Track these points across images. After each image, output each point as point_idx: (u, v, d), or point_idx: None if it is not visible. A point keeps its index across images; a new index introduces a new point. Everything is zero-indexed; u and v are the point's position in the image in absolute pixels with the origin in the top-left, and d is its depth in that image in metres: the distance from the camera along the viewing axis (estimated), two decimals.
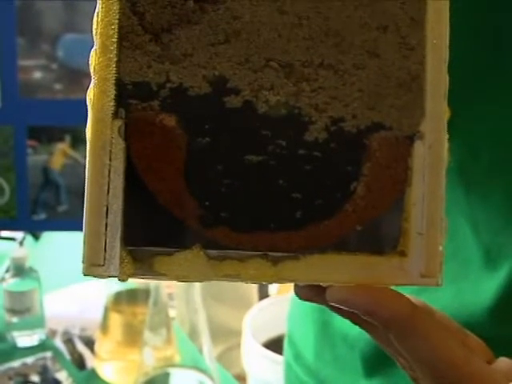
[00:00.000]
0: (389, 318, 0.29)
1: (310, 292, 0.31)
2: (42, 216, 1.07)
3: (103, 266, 0.29)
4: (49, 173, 1.06)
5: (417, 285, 0.30)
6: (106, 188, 0.29)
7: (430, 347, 0.29)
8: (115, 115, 0.29)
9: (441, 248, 0.30)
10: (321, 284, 0.30)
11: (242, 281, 0.29)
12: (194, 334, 0.93)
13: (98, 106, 0.28)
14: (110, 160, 0.29)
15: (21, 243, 1.22)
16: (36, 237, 1.36)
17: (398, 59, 0.29)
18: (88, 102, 0.29)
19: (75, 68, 1.02)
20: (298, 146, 0.29)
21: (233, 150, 0.29)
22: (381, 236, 0.30)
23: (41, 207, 1.07)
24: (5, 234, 1.30)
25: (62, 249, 1.38)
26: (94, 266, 0.29)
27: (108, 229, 0.29)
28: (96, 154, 0.29)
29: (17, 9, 0.99)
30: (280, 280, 0.29)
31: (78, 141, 1.04)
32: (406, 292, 0.50)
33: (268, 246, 0.29)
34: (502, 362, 0.34)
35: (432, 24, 0.30)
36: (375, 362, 0.54)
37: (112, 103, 0.29)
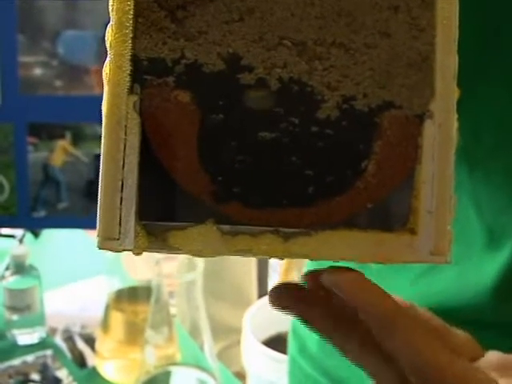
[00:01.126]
0: (372, 311, 0.29)
1: (285, 300, 0.31)
2: (42, 213, 1.07)
3: (118, 239, 0.29)
4: (49, 170, 1.06)
5: (426, 262, 0.30)
6: (122, 163, 0.29)
7: (415, 351, 0.29)
8: (131, 90, 0.29)
9: (449, 226, 0.30)
10: (331, 260, 0.30)
11: (253, 256, 0.29)
12: (195, 332, 0.93)
13: (114, 82, 0.29)
14: (126, 135, 0.29)
15: (21, 241, 1.22)
16: (36, 234, 1.36)
17: (408, 39, 0.30)
18: (104, 77, 0.29)
19: (76, 64, 1.02)
20: (310, 123, 0.30)
21: (246, 127, 0.29)
22: (391, 213, 0.30)
23: (41, 204, 1.06)
24: (5, 231, 1.30)
25: (62, 246, 1.38)
26: (108, 240, 0.29)
27: (123, 203, 0.29)
28: (112, 129, 0.29)
29: (17, 5, 0.98)
30: (291, 255, 0.30)
31: (79, 138, 1.04)
32: (416, 272, 0.49)
33: (280, 221, 0.30)
34: (492, 355, 0.34)
35: (442, 4, 0.30)
36: None
37: (128, 79, 0.29)
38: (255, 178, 0.29)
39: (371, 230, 0.30)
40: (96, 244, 0.29)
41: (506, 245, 0.47)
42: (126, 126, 0.29)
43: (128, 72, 0.29)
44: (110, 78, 0.29)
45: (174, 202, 0.29)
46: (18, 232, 1.29)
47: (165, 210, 0.29)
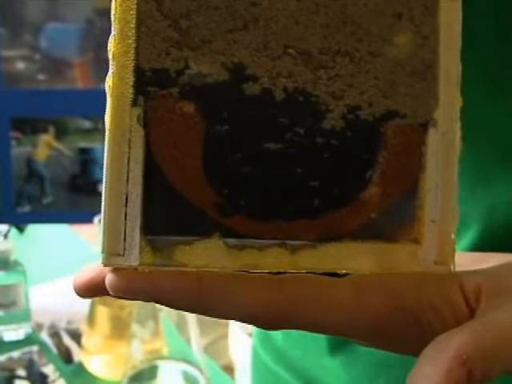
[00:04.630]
0: (176, 297, 0.28)
1: (90, 289, 0.30)
2: (27, 208, 1.06)
3: (123, 255, 0.28)
4: (33, 165, 1.05)
5: (430, 272, 0.30)
6: (126, 177, 0.28)
7: (242, 306, 0.29)
8: (134, 103, 0.28)
9: (453, 235, 0.30)
10: (338, 272, 0.30)
11: (260, 270, 0.29)
12: (181, 326, 0.92)
13: (117, 94, 0.28)
14: (130, 148, 0.28)
15: (5, 236, 1.21)
16: (21, 229, 1.35)
17: (412, 47, 0.30)
18: (107, 90, 0.28)
19: (59, 58, 1.01)
20: (315, 133, 0.29)
21: (251, 138, 0.29)
22: (396, 224, 0.30)
23: (25, 199, 1.06)
24: None
25: (47, 241, 1.38)
26: (113, 256, 0.28)
27: (128, 218, 0.28)
28: (115, 142, 0.28)
29: None
30: (298, 268, 0.29)
31: (63, 132, 1.03)
32: None
33: (286, 234, 0.29)
34: (465, 257, 0.35)
35: (445, 12, 0.30)
36: (338, 340, 0.55)
37: (131, 90, 0.28)
38: (261, 190, 0.29)
39: (376, 241, 0.30)
40: (101, 261, 0.28)
41: (466, 236, 0.47)
42: (129, 140, 0.28)
43: (131, 84, 0.28)
44: (112, 90, 0.28)
45: (179, 216, 0.29)
46: (3, 227, 1.28)
47: (170, 223, 0.29)
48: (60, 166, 1.05)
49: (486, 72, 0.44)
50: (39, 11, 0.99)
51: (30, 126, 1.04)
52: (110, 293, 0.28)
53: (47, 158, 1.04)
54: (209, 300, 0.28)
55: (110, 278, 0.28)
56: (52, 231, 1.39)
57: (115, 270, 0.28)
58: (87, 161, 1.04)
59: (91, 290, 0.29)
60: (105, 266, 0.28)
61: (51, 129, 1.03)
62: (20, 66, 1.01)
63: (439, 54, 0.30)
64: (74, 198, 1.06)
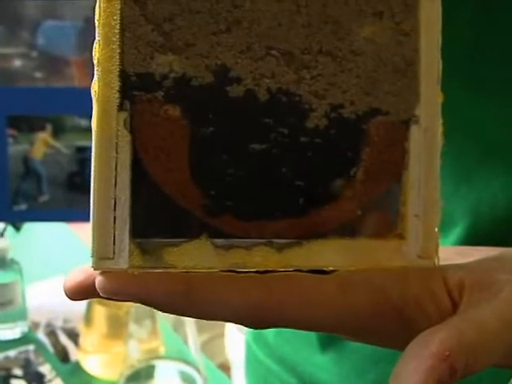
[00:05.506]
0: (165, 299, 0.29)
1: (80, 292, 0.31)
2: (23, 206, 1.06)
3: (112, 259, 0.29)
4: (30, 163, 1.05)
5: (414, 266, 0.31)
6: (113, 181, 0.29)
7: (230, 307, 0.29)
8: (120, 107, 0.29)
9: (436, 229, 0.31)
10: (324, 269, 0.30)
11: (248, 269, 0.30)
12: (178, 325, 0.92)
13: (103, 99, 0.29)
14: (117, 153, 0.29)
15: (2, 234, 1.20)
16: (17, 228, 1.35)
17: (393, 45, 0.30)
18: (92, 95, 0.29)
19: (56, 55, 1.01)
20: (299, 133, 0.30)
21: (236, 139, 0.30)
22: (380, 220, 0.31)
23: (22, 197, 1.05)
24: None
25: (43, 240, 1.37)
26: (103, 260, 0.29)
27: (116, 222, 0.29)
28: (102, 148, 0.29)
29: None
30: (285, 266, 0.30)
31: (60, 130, 1.03)
32: None
33: (273, 233, 0.30)
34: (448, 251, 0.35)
35: (425, 9, 0.30)
36: (329, 337, 0.56)
37: (117, 95, 0.29)
38: (247, 190, 0.30)
39: (361, 237, 0.30)
40: (91, 264, 0.29)
41: (452, 233, 0.48)
42: (116, 144, 0.29)
43: (117, 89, 0.29)
44: (98, 95, 0.29)
45: (167, 218, 0.29)
46: None
47: (158, 226, 0.29)
48: (57, 164, 1.05)
49: (467, 68, 0.45)
50: (37, 9, 0.99)
51: (26, 124, 1.03)
52: (101, 295, 0.29)
53: (44, 156, 1.04)
54: (197, 301, 0.29)
55: (99, 281, 0.29)
56: (49, 229, 1.38)
57: (105, 273, 0.29)
58: (84, 159, 1.04)
59: (81, 292, 0.30)
60: (95, 269, 0.29)
61: (48, 127, 1.03)
62: (17, 63, 1.01)
63: (420, 51, 0.30)
64: (70, 196, 1.06)
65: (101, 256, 0.29)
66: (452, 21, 0.42)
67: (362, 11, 0.30)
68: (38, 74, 1.01)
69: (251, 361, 0.68)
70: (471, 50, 0.44)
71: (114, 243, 0.29)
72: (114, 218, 0.29)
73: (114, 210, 0.29)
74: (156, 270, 0.29)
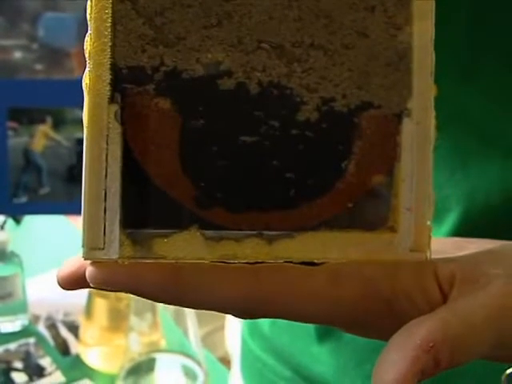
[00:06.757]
0: (154, 288, 0.29)
1: (72, 282, 0.31)
2: (24, 199, 1.06)
3: (103, 249, 0.29)
4: (30, 155, 1.04)
5: (406, 260, 0.31)
6: (104, 172, 0.29)
7: (219, 297, 0.30)
8: (111, 100, 0.29)
9: (429, 223, 0.31)
10: (315, 261, 0.31)
11: (238, 260, 0.30)
12: (179, 318, 0.92)
13: (94, 91, 0.29)
14: (107, 144, 0.29)
15: (2, 227, 1.20)
16: (17, 220, 1.35)
17: (385, 38, 0.30)
18: (84, 88, 0.29)
19: (56, 47, 1.00)
20: (290, 126, 0.30)
21: (227, 132, 0.30)
22: (371, 212, 0.31)
23: (22, 190, 1.05)
24: None
25: (44, 232, 1.37)
26: (94, 250, 0.29)
27: (107, 213, 0.29)
28: (93, 139, 0.29)
29: None
30: (275, 258, 0.30)
31: (60, 122, 1.03)
32: None
33: (263, 225, 0.30)
34: (444, 243, 0.35)
35: (418, 2, 0.30)
36: (326, 327, 0.55)
37: (108, 88, 0.29)
38: (237, 182, 0.30)
39: (352, 230, 0.30)
40: (82, 255, 0.29)
41: (447, 219, 0.48)
42: (107, 136, 0.29)
43: (108, 81, 0.29)
44: (90, 88, 0.29)
45: (157, 209, 0.30)
46: None
47: (149, 217, 0.30)
48: (57, 156, 1.04)
49: (460, 59, 0.45)
50: (37, 0, 0.99)
51: (27, 116, 1.03)
52: (91, 285, 0.29)
53: (44, 149, 1.04)
54: (186, 291, 0.29)
55: (90, 271, 0.29)
56: (49, 222, 1.38)
57: (95, 263, 0.29)
58: None
59: (73, 282, 0.30)
60: (85, 259, 0.29)
61: (48, 119, 1.03)
62: (17, 55, 1.00)
63: (412, 44, 0.30)
64: (71, 188, 1.05)
65: (91, 246, 0.29)
66: (449, 13, 0.42)
67: (354, 5, 0.30)
68: (39, 66, 1.01)
69: (247, 356, 0.68)
70: (468, 41, 0.44)
71: (105, 234, 0.29)
72: (105, 209, 0.29)
73: (105, 200, 0.29)
74: (146, 261, 0.30)
